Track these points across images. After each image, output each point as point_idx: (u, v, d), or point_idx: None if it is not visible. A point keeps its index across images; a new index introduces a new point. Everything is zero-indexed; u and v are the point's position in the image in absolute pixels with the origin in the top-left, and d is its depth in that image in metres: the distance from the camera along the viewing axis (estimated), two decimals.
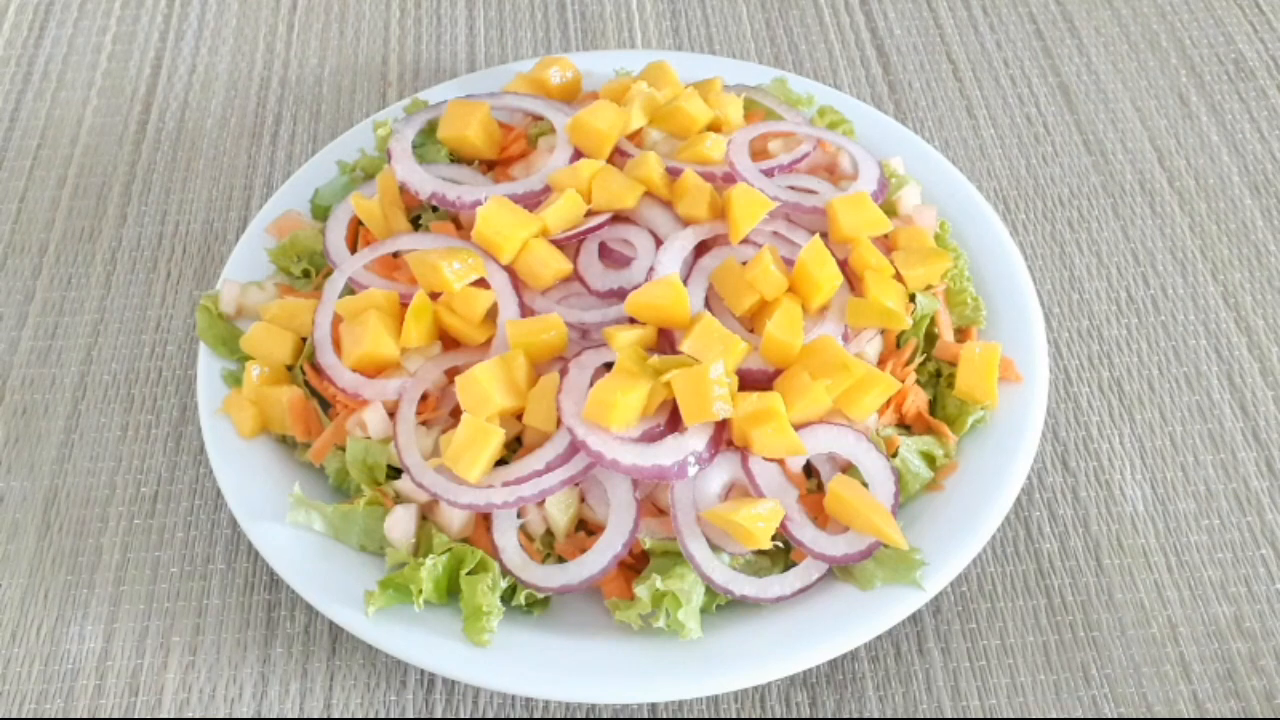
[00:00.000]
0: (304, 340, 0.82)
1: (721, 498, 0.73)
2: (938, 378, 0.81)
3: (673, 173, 0.83)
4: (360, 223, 0.88)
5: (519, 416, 0.75)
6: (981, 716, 0.72)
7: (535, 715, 0.73)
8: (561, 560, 0.73)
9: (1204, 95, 1.07)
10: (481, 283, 0.79)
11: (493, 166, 0.92)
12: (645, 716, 0.73)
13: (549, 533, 0.75)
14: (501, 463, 0.74)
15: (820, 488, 0.75)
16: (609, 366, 0.74)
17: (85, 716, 0.73)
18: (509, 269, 0.80)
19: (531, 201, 0.83)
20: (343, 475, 0.77)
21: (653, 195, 0.83)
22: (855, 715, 0.72)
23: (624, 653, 0.70)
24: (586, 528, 0.75)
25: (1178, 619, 0.76)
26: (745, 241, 0.81)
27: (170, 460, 0.85)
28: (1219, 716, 0.72)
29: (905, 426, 0.79)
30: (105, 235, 0.99)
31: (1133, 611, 0.76)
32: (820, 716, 0.72)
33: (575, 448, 0.73)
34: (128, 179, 1.03)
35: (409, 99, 0.98)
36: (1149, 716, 0.72)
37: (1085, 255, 0.95)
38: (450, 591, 0.72)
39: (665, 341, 0.77)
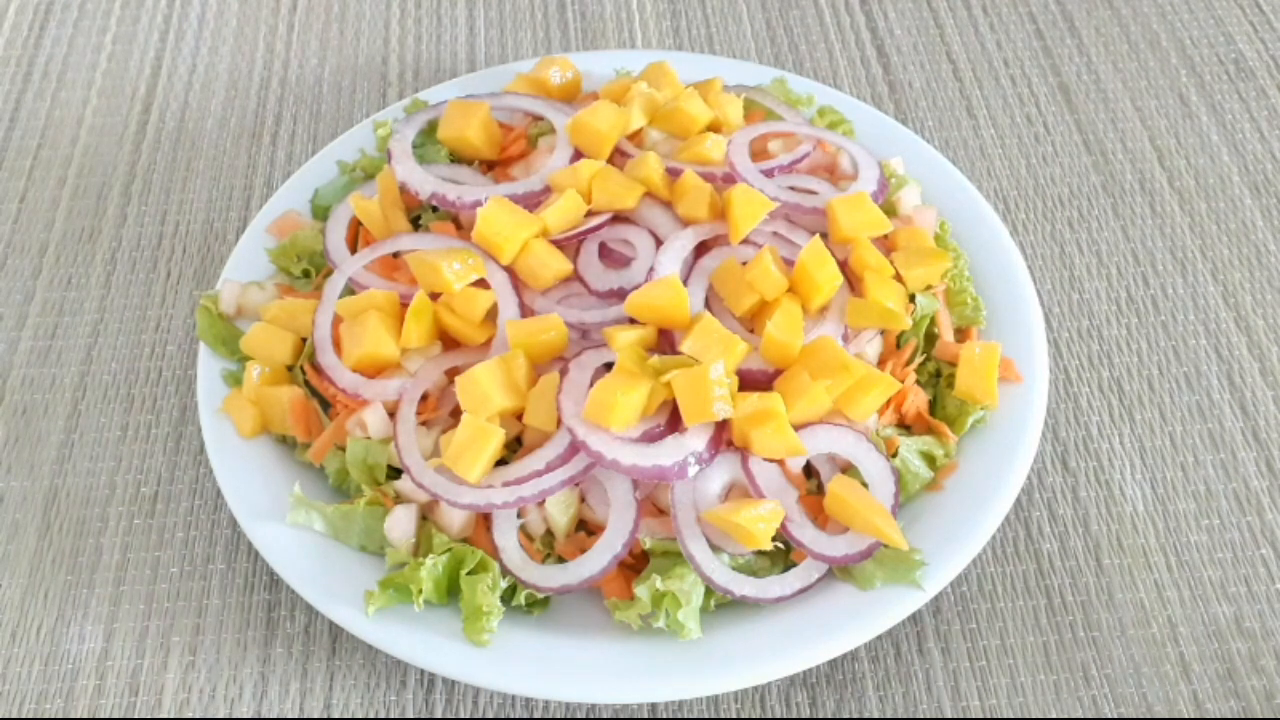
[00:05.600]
0: (304, 340, 0.82)
1: (721, 498, 0.73)
2: (938, 378, 0.81)
3: (673, 173, 0.83)
4: (360, 223, 0.88)
5: (519, 416, 0.75)
6: (981, 716, 0.72)
7: (535, 715, 0.73)
8: (561, 560, 0.73)
9: (1204, 95, 1.07)
10: (481, 283, 0.79)
11: (493, 166, 0.92)
12: (645, 716, 0.73)
13: (549, 533, 0.75)
14: (501, 463, 0.74)
15: (820, 488, 0.75)
16: (609, 366, 0.74)
17: (85, 716, 0.73)
18: (509, 269, 0.80)
19: (531, 202, 0.83)
20: (343, 475, 0.77)
21: (653, 195, 0.83)
22: (855, 715, 0.72)
23: (624, 653, 0.70)
24: (586, 528, 0.75)
25: (1178, 619, 0.76)
26: (745, 242, 0.81)
27: (170, 460, 0.85)
28: (1219, 716, 0.72)
29: (905, 427, 0.79)
30: (105, 235, 0.99)
31: (1133, 611, 0.76)
32: (820, 716, 0.73)
33: (575, 448, 0.73)
34: (128, 179, 1.03)
35: (409, 99, 0.98)
36: (1149, 716, 0.72)
37: (1085, 255, 0.95)
38: (450, 591, 0.72)
39: (665, 342, 0.77)
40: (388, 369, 0.79)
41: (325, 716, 0.73)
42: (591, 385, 0.73)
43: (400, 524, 0.73)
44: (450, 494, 0.72)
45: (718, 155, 0.85)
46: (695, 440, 0.72)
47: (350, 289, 0.83)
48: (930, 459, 0.76)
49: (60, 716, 0.73)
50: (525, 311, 0.79)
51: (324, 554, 0.74)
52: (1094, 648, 0.75)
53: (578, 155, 0.86)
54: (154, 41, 1.15)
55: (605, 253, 0.83)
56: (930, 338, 0.81)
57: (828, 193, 0.84)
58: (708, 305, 0.80)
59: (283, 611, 0.77)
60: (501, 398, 0.73)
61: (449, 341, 0.80)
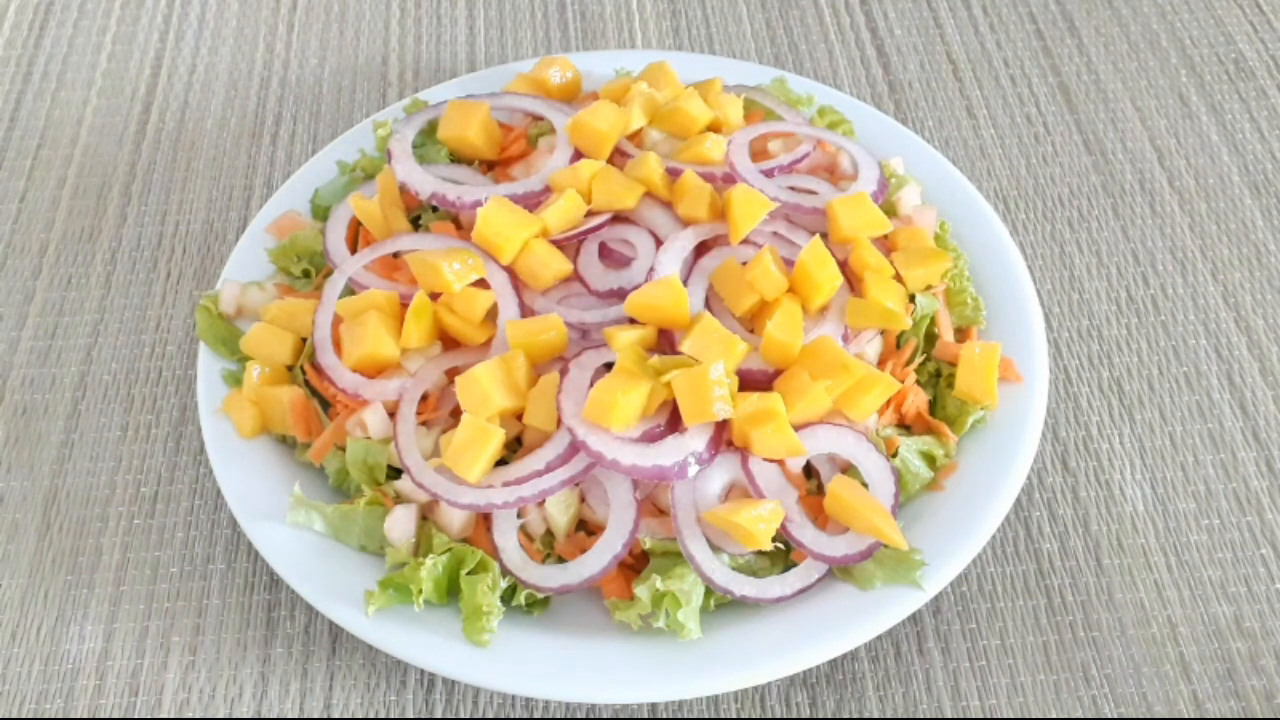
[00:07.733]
0: (304, 340, 0.82)
1: (721, 498, 0.73)
2: (938, 378, 0.81)
3: (673, 173, 0.83)
4: (360, 223, 0.88)
5: (519, 416, 0.75)
6: (981, 717, 0.72)
7: (535, 715, 0.73)
8: (561, 560, 0.73)
9: (1204, 95, 1.07)
10: (481, 283, 0.79)
11: (493, 166, 0.92)
12: (645, 716, 0.73)
13: (549, 533, 0.75)
14: (501, 463, 0.74)
15: (820, 488, 0.75)
16: (609, 366, 0.74)
17: (85, 716, 0.73)
18: (509, 269, 0.80)
19: (531, 202, 0.83)
20: (343, 475, 0.77)
21: (653, 195, 0.83)
22: (855, 715, 0.72)
23: (624, 653, 0.70)
24: (586, 528, 0.75)
25: (1178, 619, 0.76)
26: (745, 242, 0.81)
27: (170, 460, 0.85)
28: (1219, 716, 0.72)
29: (905, 427, 0.79)
30: (105, 235, 0.99)
31: (1133, 611, 0.76)
32: (820, 716, 0.73)
33: (575, 448, 0.73)
34: (128, 179, 1.03)
35: (409, 99, 0.98)
36: (1149, 716, 0.72)
37: (1085, 255, 0.95)
38: (450, 591, 0.72)
39: (665, 342, 0.77)
40: (388, 369, 0.79)
41: (325, 716, 0.73)
42: (591, 385, 0.73)
43: (400, 524, 0.73)
44: (450, 494, 0.72)
45: (718, 155, 0.85)
46: (695, 440, 0.72)
47: (350, 289, 0.83)
48: (930, 459, 0.76)
49: (60, 716, 0.73)
50: (525, 311, 0.79)
51: (324, 554, 0.74)
52: (1094, 648, 0.75)
53: (578, 155, 0.86)
54: (154, 41, 1.15)
55: (605, 253, 0.83)
56: (930, 338, 0.81)
57: (828, 193, 0.84)
58: (708, 305, 0.80)
59: (283, 611, 0.77)
60: (501, 398, 0.73)
61: (449, 341, 0.80)
